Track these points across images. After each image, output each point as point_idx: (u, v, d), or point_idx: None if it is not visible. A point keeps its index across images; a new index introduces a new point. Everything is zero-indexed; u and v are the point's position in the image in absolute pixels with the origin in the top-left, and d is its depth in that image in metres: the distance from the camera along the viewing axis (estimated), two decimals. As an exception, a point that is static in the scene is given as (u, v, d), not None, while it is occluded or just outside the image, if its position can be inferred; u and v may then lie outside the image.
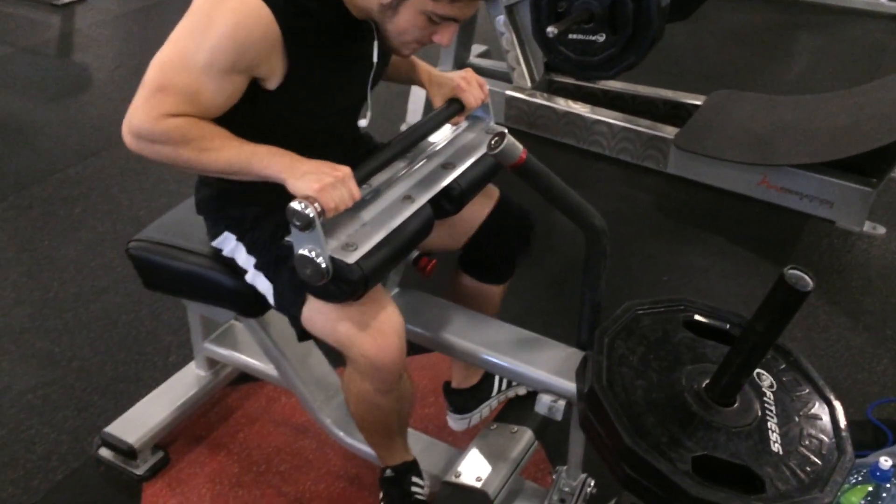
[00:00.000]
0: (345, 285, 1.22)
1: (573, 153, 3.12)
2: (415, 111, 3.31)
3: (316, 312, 1.30)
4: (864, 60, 4.06)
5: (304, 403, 1.71)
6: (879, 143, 2.39)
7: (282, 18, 1.18)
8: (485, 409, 1.79)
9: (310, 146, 1.27)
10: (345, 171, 1.22)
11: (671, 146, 2.84)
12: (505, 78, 3.29)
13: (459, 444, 1.71)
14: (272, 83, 1.24)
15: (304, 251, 1.19)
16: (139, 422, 1.82)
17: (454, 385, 1.78)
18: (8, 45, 4.11)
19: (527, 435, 1.66)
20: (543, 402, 1.44)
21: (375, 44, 1.33)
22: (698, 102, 3.08)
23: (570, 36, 2.69)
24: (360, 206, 1.31)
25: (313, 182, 1.17)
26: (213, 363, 1.93)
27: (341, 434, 1.68)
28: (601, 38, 2.64)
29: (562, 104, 3.13)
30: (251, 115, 1.27)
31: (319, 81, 1.30)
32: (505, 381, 1.77)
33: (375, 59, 1.35)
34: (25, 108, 3.48)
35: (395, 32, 1.27)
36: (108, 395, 2.01)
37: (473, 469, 1.57)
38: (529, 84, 3.23)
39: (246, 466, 1.82)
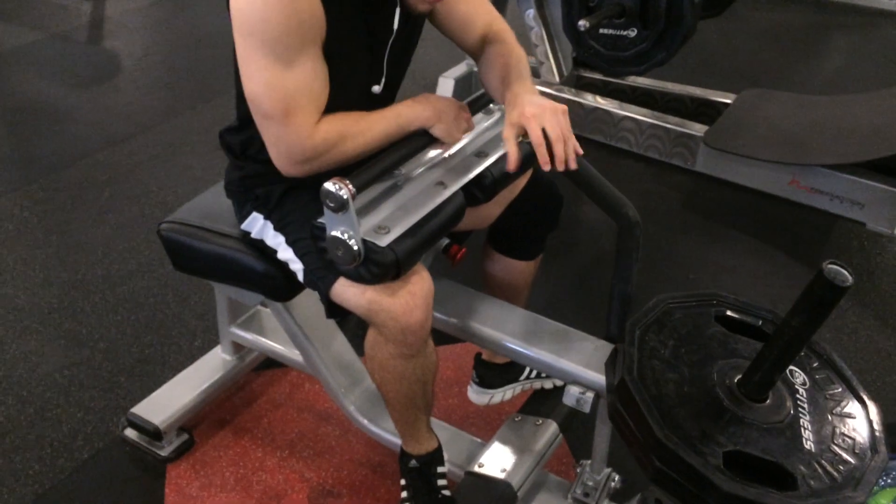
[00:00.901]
0: (376, 268, 1.22)
1: (601, 149, 3.10)
2: None
3: (347, 286, 1.30)
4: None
5: (329, 389, 1.71)
6: (913, 144, 2.36)
7: None
8: (508, 392, 1.79)
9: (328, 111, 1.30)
10: (468, 113, 1.37)
11: (700, 144, 2.82)
12: (533, 73, 3.27)
13: (483, 435, 1.71)
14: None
15: (336, 233, 1.20)
16: (165, 404, 1.84)
17: (485, 357, 1.78)
18: (40, 30, 4.16)
19: (551, 428, 1.65)
20: (571, 394, 1.44)
21: (398, 10, 1.32)
22: (728, 101, 3.05)
23: (601, 30, 2.68)
24: (392, 190, 1.31)
25: (455, 131, 1.34)
26: (238, 348, 1.94)
27: (365, 421, 1.69)
28: (632, 32, 2.62)
29: (590, 100, 3.11)
30: None
31: (347, 45, 1.29)
32: (535, 371, 1.76)
33: (396, 25, 1.33)
34: (55, 94, 3.51)
35: None
36: (134, 376, 2.03)
37: (497, 460, 1.57)
38: (558, 79, 3.21)
39: (269, 451, 1.83)
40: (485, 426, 1.88)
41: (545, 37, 3.14)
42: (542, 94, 3.21)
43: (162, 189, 2.78)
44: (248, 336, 1.87)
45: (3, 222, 2.62)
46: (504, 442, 1.61)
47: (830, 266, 0.98)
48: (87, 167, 2.94)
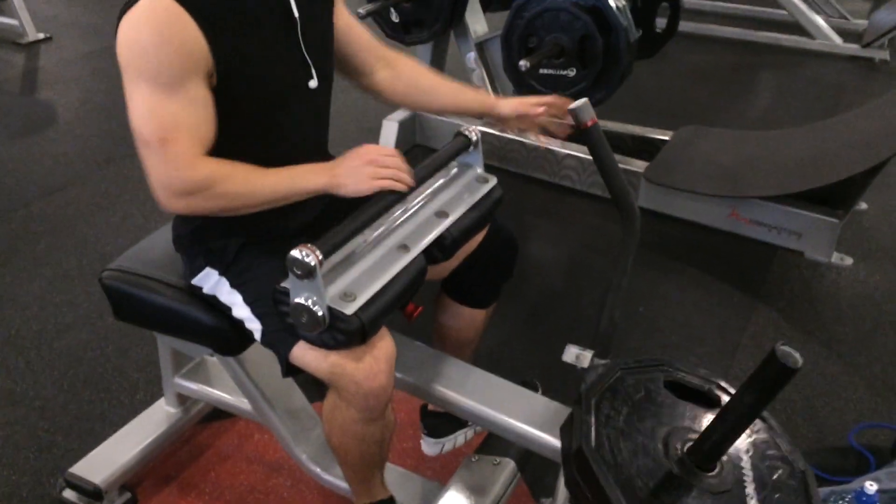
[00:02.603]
0: (342, 335, 1.20)
1: (544, 187, 3.15)
2: (386, 146, 3.31)
3: (308, 350, 1.27)
4: (824, 98, 4.18)
5: (280, 438, 1.66)
6: (845, 174, 2.44)
7: (189, 5, 1.17)
8: (459, 437, 1.76)
9: (279, 125, 1.34)
10: (375, 155, 1.27)
11: (641, 179, 2.88)
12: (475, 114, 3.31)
13: (441, 477, 1.67)
14: (214, 72, 1.23)
15: (300, 300, 1.17)
16: (105, 461, 1.75)
17: (430, 407, 1.75)
18: (-30, 82, 4.05)
19: (509, 467, 1.63)
20: (571, 352, 1.43)
21: (292, 1, 1.31)
22: (666, 137, 3.13)
23: (541, 71, 2.73)
24: (357, 255, 1.29)
25: (362, 184, 1.25)
26: (183, 399, 1.87)
27: (317, 470, 1.64)
28: (572, 72, 2.68)
29: (532, 139, 3.16)
30: (225, 121, 1.26)
31: (247, 49, 1.26)
32: None
33: (297, 14, 1.32)
34: (-13, 145, 3.41)
35: None
36: (72, 434, 1.94)
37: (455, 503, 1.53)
38: (500, 120, 3.25)
39: (218, 506, 1.76)
40: (441, 469, 1.85)
41: (486, 78, 3.20)
42: (485, 133, 3.23)
43: (100, 239, 2.70)
44: (194, 386, 1.81)
45: (-70, 278, 2.51)
46: (461, 484, 1.58)
47: (782, 348, 1.01)
48: (22, 219, 2.84)
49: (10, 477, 1.82)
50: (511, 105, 1.54)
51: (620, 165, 2.92)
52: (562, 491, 1.49)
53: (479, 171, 1.53)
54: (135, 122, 1.20)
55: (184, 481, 1.82)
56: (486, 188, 1.49)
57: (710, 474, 1.13)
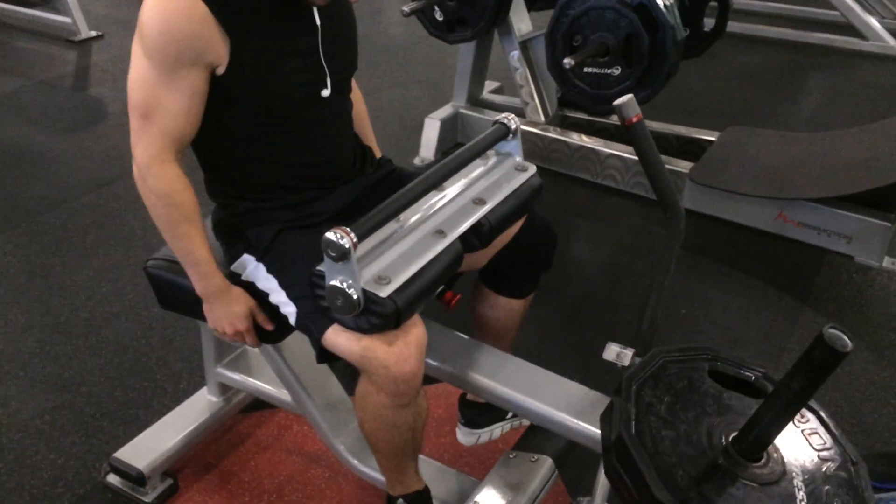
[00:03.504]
0: (376, 318, 1.21)
1: (587, 187, 3.12)
2: (428, 144, 3.33)
3: (340, 332, 1.28)
4: (875, 101, 4.08)
5: (318, 429, 1.67)
6: (898, 177, 2.38)
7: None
8: (496, 430, 1.76)
9: (286, 131, 1.37)
10: (239, 329, 1.43)
11: (686, 180, 2.84)
12: (518, 113, 3.30)
13: (477, 473, 1.67)
14: (222, 67, 1.27)
15: (336, 282, 1.18)
16: (149, 448, 1.78)
17: (469, 397, 1.75)
18: (25, 78, 4.16)
19: (546, 464, 1.61)
20: (612, 350, 1.42)
21: (315, 8, 1.34)
22: (712, 138, 3.08)
23: (586, 69, 2.71)
24: (392, 238, 1.30)
25: (218, 325, 1.45)
26: (224, 389, 1.90)
27: (355, 461, 1.64)
28: (616, 71, 2.65)
29: (575, 139, 3.14)
30: (221, 116, 1.32)
31: (264, 53, 1.29)
32: None
33: (318, 21, 1.35)
34: (40, 140, 3.50)
35: None
36: (117, 420, 1.97)
37: (492, 499, 1.53)
38: (543, 119, 3.24)
39: (256, 495, 1.78)
40: (479, 465, 1.84)
41: (530, 77, 3.18)
42: (528, 133, 3.21)
43: (146, 231, 2.75)
44: (235, 376, 1.83)
45: (-16, 267, 2.58)
46: (498, 480, 1.57)
47: (831, 331, 0.97)
48: (72, 211, 2.91)
49: (57, 460, 1.86)
50: None
51: (665, 166, 2.91)
52: (601, 485, 1.48)
53: (518, 159, 1.53)
54: (129, 83, 1.29)
55: (224, 470, 1.85)
56: (524, 176, 1.48)
57: (756, 465, 1.09)
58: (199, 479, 1.82)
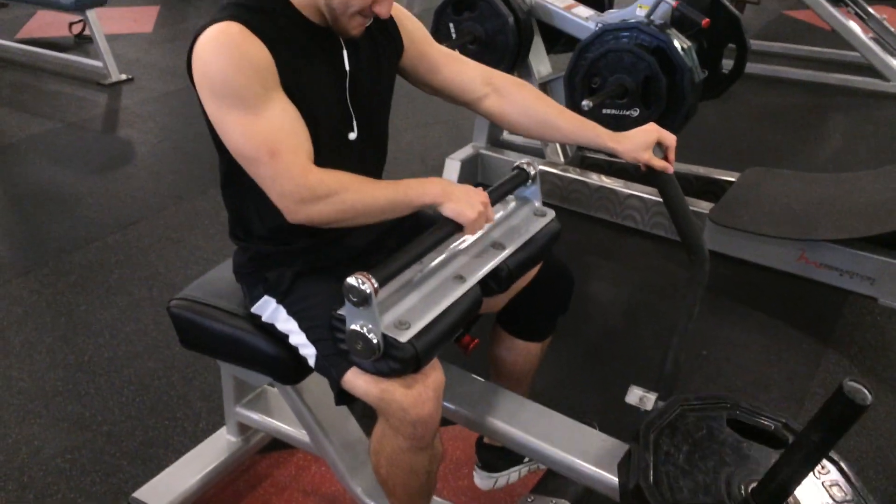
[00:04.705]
0: (395, 363, 1.22)
1: (607, 227, 3.12)
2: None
3: (359, 375, 1.28)
4: (897, 141, 4.06)
5: (336, 471, 1.67)
6: (921, 218, 2.36)
7: (252, 27, 1.22)
8: (513, 474, 1.75)
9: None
10: (486, 199, 1.32)
11: (706, 221, 2.83)
12: (538, 154, 3.33)
13: (495, 517, 1.66)
14: None
15: (356, 327, 1.19)
16: (167, 488, 1.79)
17: (486, 440, 1.74)
18: (56, 120, 4.27)
19: (565, 508, 1.60)
20: (635, 394, 1.41)
21: (345, 52, 1.36)
22: (732, 179, 3.08)
23: (604, 111, 2.73)
24: (412, 284, 1.31)
25: (468, 210, 1.28)
26: (244, 429, 1.90)
27: (372, 503, 1.64)
28: (635, 112, 2.68)
29: (595, 179, 3.15)
30: None
31: (305, 90, 1.31)
32: None
33: (347, 67, 1.37)
34: (69, 180, 3.58)
35: (341, 7, 1.29)
36: (136, 460, 1.98)
37: (510, 543, 1.51)
38: (562, 159, 3.26)
39: (274, 537, 1.78)
40: (496, 509, 1.83)
41: (549, 119, 3.20)
42: (547, 173, 3.22)
43: (170, 270, 2.79)
44: (255, 416, 1.84)
45: (11, 306, 2.62)
46: (517, 524, 1.56)
47: (850, 384, 0.97)
48: (98, 250, 2.96)
49: (76, 500, 1.87)
50: (626, 149, 1.51)
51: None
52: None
53: (537, 204, 1.54)
54: (235, 146, 1.26)
55: (242, 510, 1.85)
56: (543, 222, 1.50)
57: None
58: (216, 520, 1.82)
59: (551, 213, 1.52)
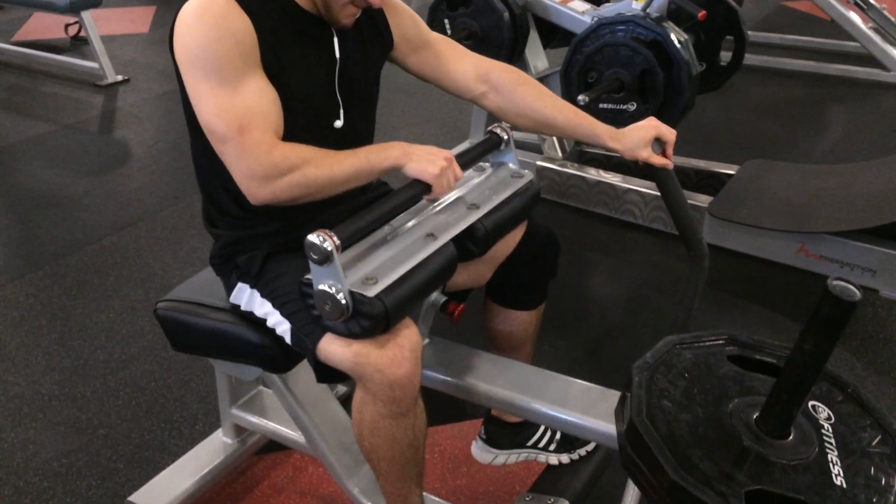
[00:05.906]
0: (365, 320, 1.20)
1: (605, 222, 3.10)
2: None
3: (333, 340, 1.27)
4: (897, 132, 4.04)
5: (331, 470, 1.65)
6: (922, 208, 2.34)
7: (244, 5, 1.23)
8: (512, 456, 1.73)
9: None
10: (450, 155, 1.31)
11: (706, 214, 2.81)
12: (536, 149, 3.31)
13: (493, 516, 1.64)
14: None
15: (323, 286, 1.18)
16: (164, 490, 1.78)
17: (494, 412, 1.72)
18: (51, 122, 4.25)
19: (564, 507, 1.58)
20: None
21: (335, 40, 1.35)
22: (731, 172, 3.06)
23: (601, 105, 2.71)
24: (380, 243, 1.30)
25: (430, 166, 1.28)
26: (239, 431, 1.89)
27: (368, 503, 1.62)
28: (632, 107, 2.66)
29: (593, 174, 3.13)
30: None
31: (293, 75, 1.30)
32: (544, 441, 1.69)
33: (338, 55, 1.36)
34: (65, 182, 3.56)
35: None
36: (133, 463, 1.97)
37: (508, 543, 1.50)
38: (560, 154, 3.24)
39: (271, 539, 1.76)
40: (495, 508, 1.81)
41: (546, 114, 3.19)
42: (545, 169, 3.21)
43: (167, 272, 2.78)
44: (250, 417, 1.83)
45: (7, 309, 2.61)
46: (515, 524, 1.55)
47: (836, 283, 0.94)
48: (94, 253, 2.95)
49: None
50: (625, 147, 1.51)
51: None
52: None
53: (513, 166, 1.52)
54: (207, 119, 1.24)
55: (238, 513, 1.83)
56: (520, 182, 1.48)
57: (785, 442, 1.05)
58: (213, 523, 1.80)
59: (529, 174, 1.51)
